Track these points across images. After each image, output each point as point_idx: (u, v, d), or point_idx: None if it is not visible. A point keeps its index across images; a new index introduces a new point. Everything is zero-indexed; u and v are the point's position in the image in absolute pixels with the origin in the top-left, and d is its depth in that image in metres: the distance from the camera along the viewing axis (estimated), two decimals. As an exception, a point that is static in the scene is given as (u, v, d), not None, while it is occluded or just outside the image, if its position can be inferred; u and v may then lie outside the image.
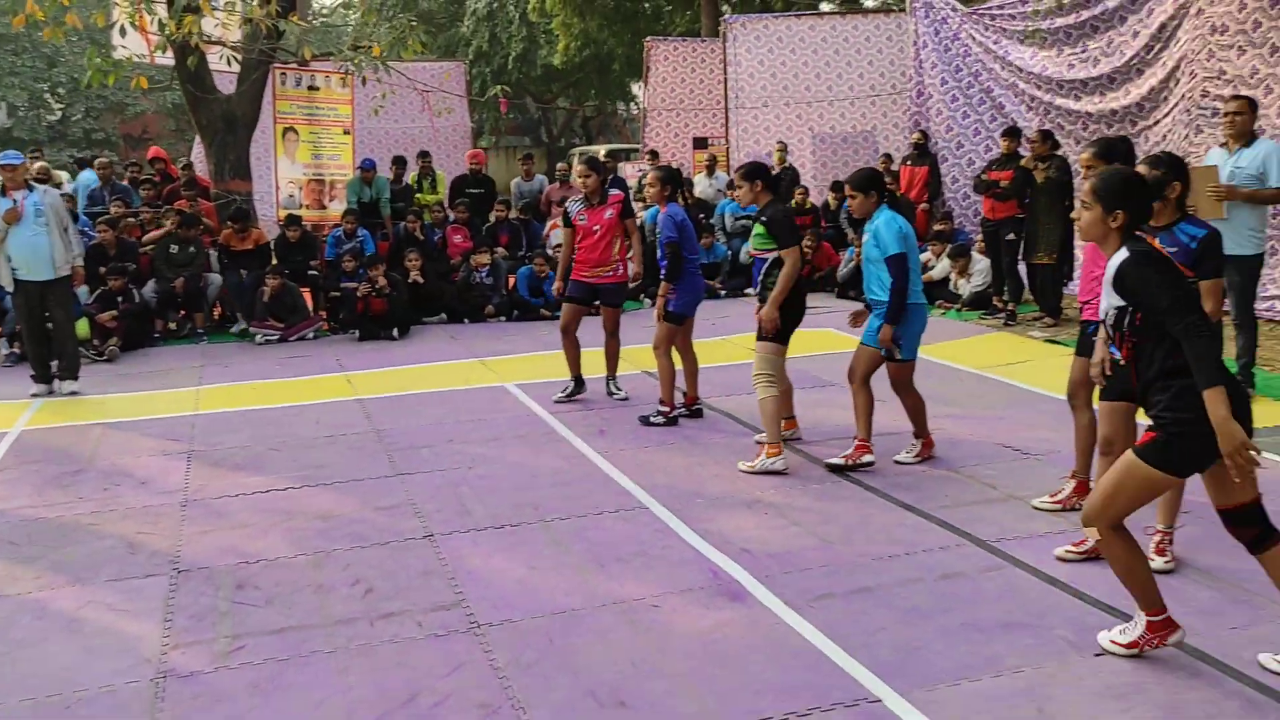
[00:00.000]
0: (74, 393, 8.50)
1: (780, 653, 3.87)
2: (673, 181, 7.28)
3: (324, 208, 13.07)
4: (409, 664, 3.89)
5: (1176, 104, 10.81)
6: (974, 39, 13.85)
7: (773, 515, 5.33)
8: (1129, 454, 3.47)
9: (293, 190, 13.09)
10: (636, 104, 38.64)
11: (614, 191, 7.84)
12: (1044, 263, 10.19)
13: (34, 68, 33.41)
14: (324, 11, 38.28)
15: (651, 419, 7.08)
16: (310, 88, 12.91)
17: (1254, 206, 7.17)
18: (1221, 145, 7.66)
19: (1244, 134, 7.39)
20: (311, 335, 11.05)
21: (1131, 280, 3.36)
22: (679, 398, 7.31)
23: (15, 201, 8.19)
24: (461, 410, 7.70)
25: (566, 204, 7.82)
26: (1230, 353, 7.47)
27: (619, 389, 7.89)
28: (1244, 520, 3.44)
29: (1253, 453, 3.18)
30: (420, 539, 5.16)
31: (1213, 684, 3.51)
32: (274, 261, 11.63)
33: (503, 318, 11.73)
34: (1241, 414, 3.26)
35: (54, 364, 8.71)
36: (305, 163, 13.04)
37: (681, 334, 7.20)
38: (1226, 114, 7.58)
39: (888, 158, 14.61)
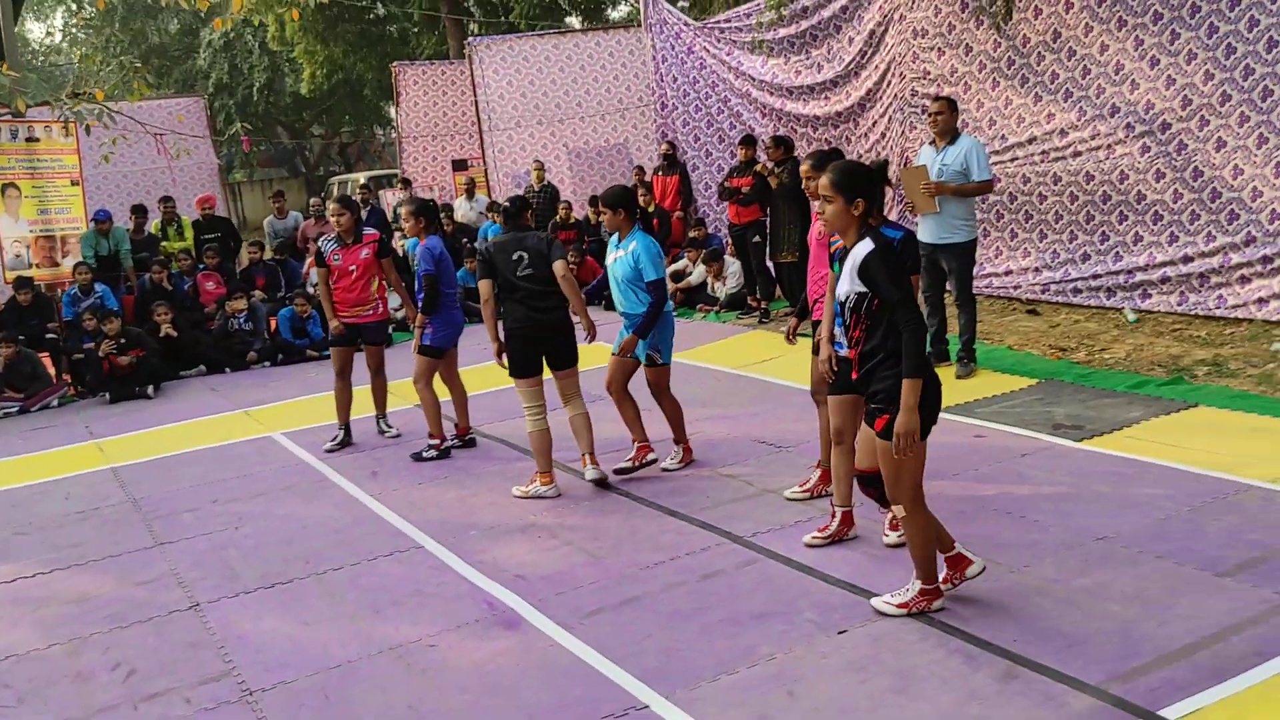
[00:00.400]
0: None
1: (552, 674, 4.02)
2: (427, 213, 7.32)
3: (57, 265, 12.29)
4: (179, 743, 3.81)
5: (890, 104, 11.70)
6: (708, 51, 14.50)
7: (545, 537, 5.48)
8: (882, 443, 3.88)
9: (20, 250, 12.26)
10: (393, 128, 38.16)
11: (369, 230, 7.74)
12: (788, 260, 10.81)
13: None
14: (38, 51, 35.81)
15: (423, 454, 7.10)
16: (29, 139, 12.13)
17: (961, 199, 7.86)
18: (930, 143, 8.36)
19: (948, 131, 8.09)
20: (56, 403, 10.40)
21: (874, 270, 3.79)
22: (450, 429, 7.36)
23: None
24: (225, 467, 7.48)
25: (320, 242, 7.70)
26: (954, 330, 8.21)
27: (390, 426, 7.87)
28: (873, 483, 4.13)
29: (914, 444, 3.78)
30: (185, 610, 5.01)
31: (938, 645, 3.90)
32: (3, 328, 10.88)
33: (267, 363, 11.41)
34: (932, 403, 3.72)
35: None
36: (31, 219, 12.24)
37: (445, 365, 7.25)
38: (930, 114, 8.28)
39: (641, 170, 15.08)
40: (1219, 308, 8.84)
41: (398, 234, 13.36)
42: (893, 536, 4.80)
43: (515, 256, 5.97)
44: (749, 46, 13.58)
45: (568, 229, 14.70)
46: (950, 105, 8.20)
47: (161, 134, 13.17)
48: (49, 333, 11.00)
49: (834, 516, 4.94)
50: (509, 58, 17.22)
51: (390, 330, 10.01)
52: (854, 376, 4.05)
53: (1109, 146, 9.61)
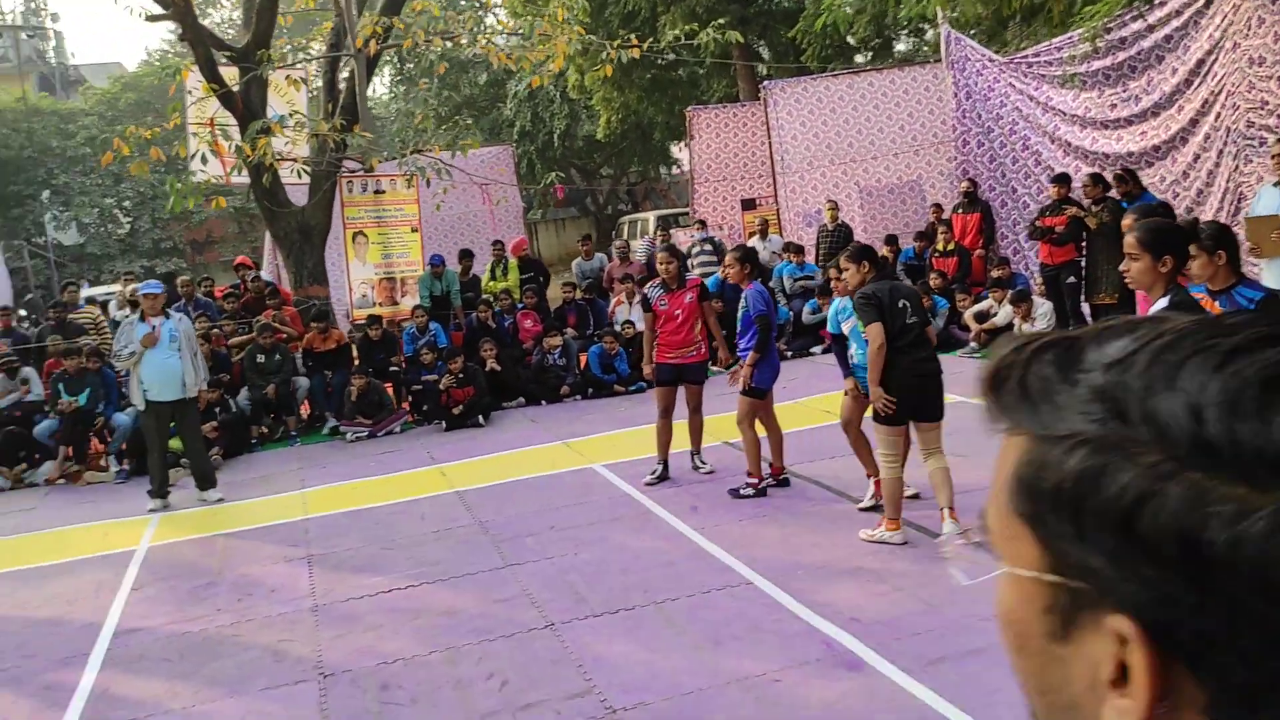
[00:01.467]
0: (220, 499, 9.07)
1: (906, 719, 4.10)
2: (750, 260, 7.63)
3: (396, 304, 13.60)
4: (556, 753, 4.18)
5: (1218, 137, 10.98)
6: (1013, 87, 14.14)
7: (874, 581, 5.57)
8: None
9: (365, 290, 13.66)
10: (679, 167, 39.31)
11: (691, 275, 8.17)
12: (1107, 302, 10.37)
13: (102, 185, 34.95)
14: (374, 109, 39.56)
15: (741, 491, 7.35)
16: (377, 192, 13.53)
17: (1313, 242, 7.34)
18: (1276, 184, 7.87)
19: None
20: (398, 429, 11.50)
21: None
22: (765, 468, 7.58)
23: (153, 327, 8.80)
24: (556, 495, 8.04)
25: (646, 289, 8.18)
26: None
27: (704, 463, 8.19)
28: None
29: None
30: (542, 628, 5.46)
31: None
32: (356, 360, 12.17)
33: (578, 396, 12.11)
34: None
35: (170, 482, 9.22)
36: (376, 263, 13.62)
37: (763, 406, 7.48)
38: (1276, 155, 7.80)
39: (938, 207, 14.88)
40: None
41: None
42: None
43: (900, 304, 6.02)
44: (1058, 81, 13.14)
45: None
46: (1299, 141, 7.70)
47: (486, 183, 14.30)
48: (392, 365, 12.17)
49: None
50: (803, 99, 17.47)
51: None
52: None
53: None
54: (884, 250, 14.77)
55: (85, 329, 12.94)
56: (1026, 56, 13.90)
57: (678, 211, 28.24)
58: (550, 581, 6.15)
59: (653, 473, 8.07)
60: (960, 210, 13.97)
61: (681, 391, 7.99)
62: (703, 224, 15.91)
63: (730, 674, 4.68)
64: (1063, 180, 11.04)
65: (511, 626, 5.53)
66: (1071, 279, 10.62)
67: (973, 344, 11.73)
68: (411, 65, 33.81)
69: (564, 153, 34.09)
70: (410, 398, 12.01)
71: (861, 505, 6.72)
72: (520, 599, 5.93)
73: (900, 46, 25.90)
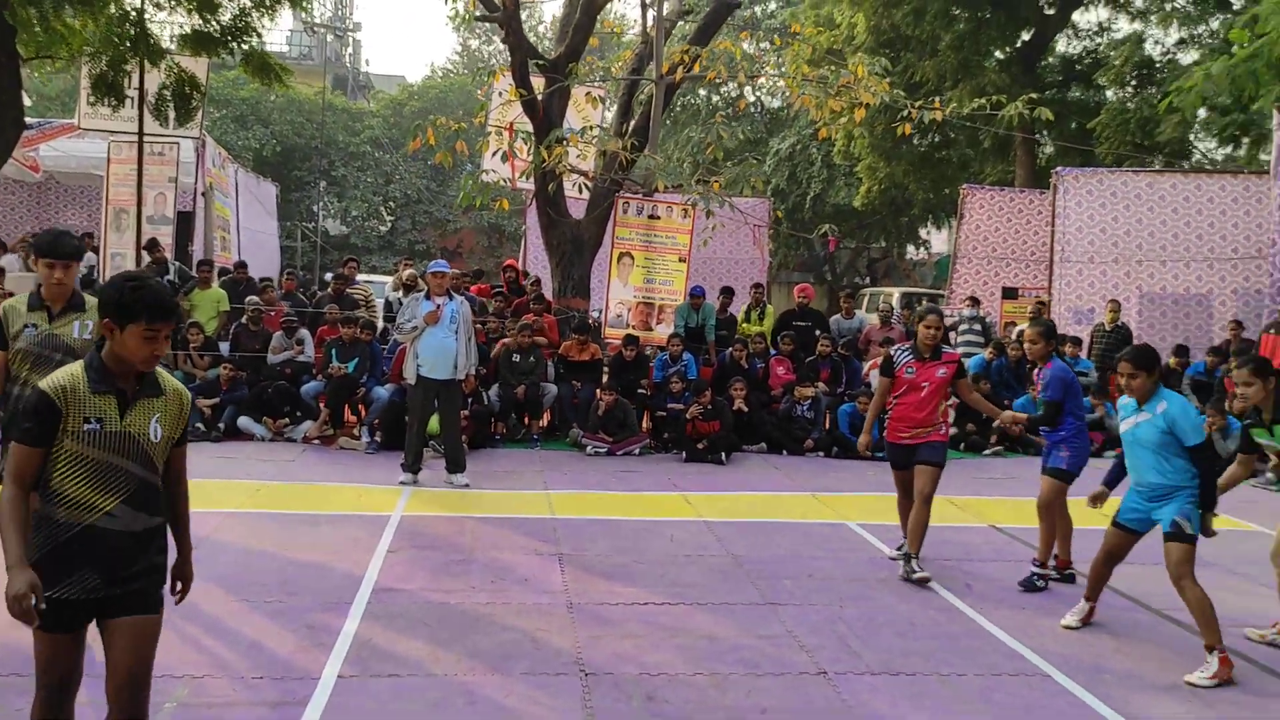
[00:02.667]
0: (466, 485, 9.11)
1: None
2: (1052, 336, 7.05)
3: (650, 329, 13.57)
4: (848, 809, 3.77)
5: None
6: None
7: (1194, 701, 4.90)
8: None
9: (621, 311, 13.70)
10: (927, 249, 38.42)
11: (949, 349, 7.19)
12: None
13: (374, 183, 37.21)
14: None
15: (1035, 583, 6.71)
16: (651, 217, 13.59)
17: None
18: None
19: None
20: (637, 451, 11.37)
21: None
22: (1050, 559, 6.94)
23: (437, 305, 9.01)
24: (809, 544, 7.63)
25: (893, 351, 7.22)
26: None
27: (920, 569, 6.79)
28: None
29: None
30: (814, 674, 5.07)
31: None
32: (606, 377, 12.17)
33: (821, 453, 11.68)
34: None
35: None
36: (637, 285, 13.65)
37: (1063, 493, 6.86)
38: None
39: (1238, 324, 13.69)
40: None
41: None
42: None
43: None
44: None
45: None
46: None
47: (759, 225, 14.15)
48: (640, 388, 12.09)
49: None
50: (1096, 191, 16.58)
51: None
52: None
53: None
54: (1170, 361, 13.72)
55: (359, 303, 13.51)
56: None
57: (921, 291, 27.45)
58: (817, 629, 5.75)
59: (899, 547, 7.14)
60: (1274, 330, 12.76)
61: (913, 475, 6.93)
62: (975, 301, 15.20)
63: (1040, 769, 4.15)
64: None
65: (780, 666, 5.17)
66: None
67: (1270, 474, 10.59)
68: (679, 109, 34.46)
69: (813, 216, 33.83)
70: (653, 423, 11.88)
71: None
72: (786, 639, 5.55)
73: (1197, 157, 24.40)
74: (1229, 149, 21.92)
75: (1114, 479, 5.94)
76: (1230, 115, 18.21)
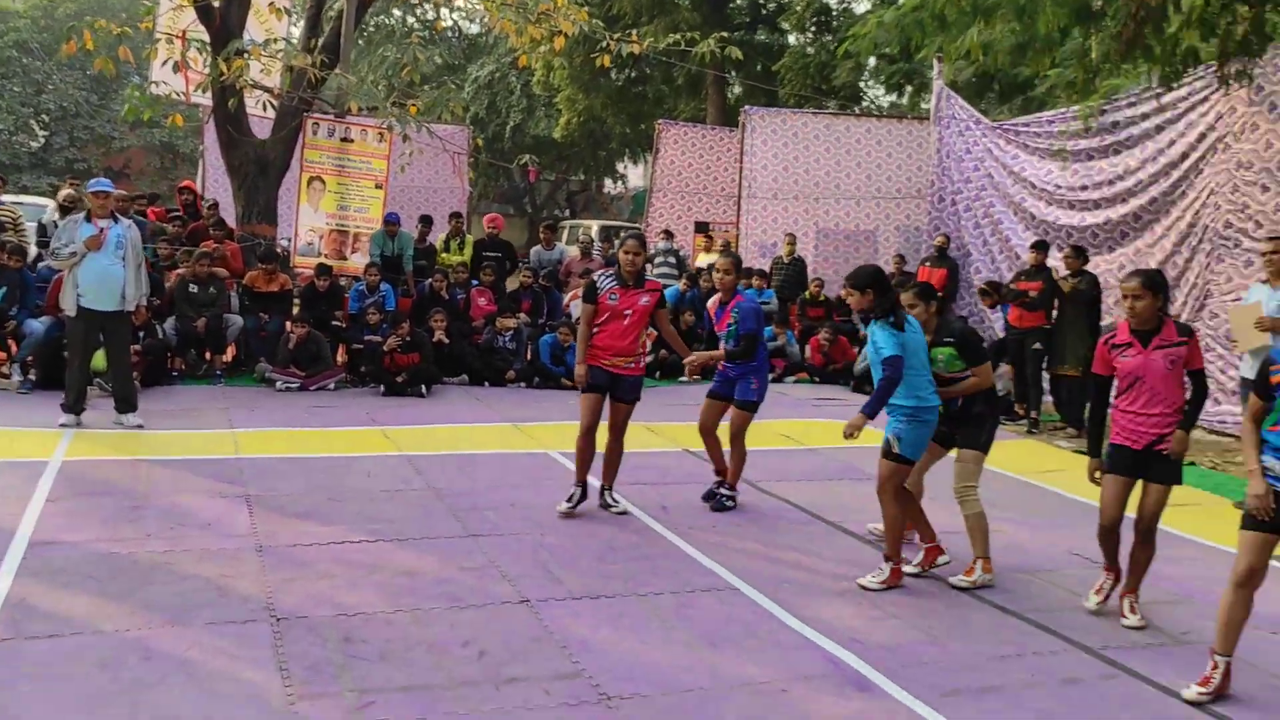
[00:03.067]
0: (139, 425, 8.34)
1: (929, 748, 3.83)
2: (740, 269, 7.30)
3: (344, 259, 12.97)
4: (551, 734, 3.79)
5: (1198, 233, 11.19)
6: (990, 152, 14.29)
7: (868, 605, 5.32)
8: None
9: (313, 238, 13.01)
10: (624, 183, 39.17)
11: (651, 278, 7.04)
12: (1070, 375, 10.41)
13: (22, 93, 33.14)
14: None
15: (725, 504, 6.99)
16: (344, 140, 12.91)
17: (1299, 337, 7.41)
18: (1264, 282, 7.97)
19: (1292, 269, 7.71)
20: (332, 386, 10.91)
21: None
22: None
23: (100, 229, 8.10)
24: (512, 474, 7.62)
25: (596, 277, 6.83)
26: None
27: (615, 501, 6.85)
28: None
29: None
30: (516, 603, 5.06)
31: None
32: (297, 308, 11.55)
33: (523, 384, 11.69)
34: None
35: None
36: (330, 212, 12.98)
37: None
38: (1265, 253, 7.91)
39: (901, 258, 14.92)
40: None
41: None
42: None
43: None
44: (1044, 152, 13.29)
45: (816, 306, 14.65)
46: (1288, 244, 7.83)
47: (460, 154, 13.81)
48: (334, 320, 11.57)
49: (1215, 667, 4.39)
50: (780, 130, 17.42)
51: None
52: None
53: None
54: (843, 292, 14.76)
55: (5, 225, 12.01)
56: (1015, 124, 14.08)
57: (620, 224, 28.00)
58: (519, 558, 5.74)
59: (569, 498, 6.72)
60: (929, 264, 14.00)
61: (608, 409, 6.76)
62: (668, 234, 15.64)
63: (733, 678, 4.35)
64: (1041, 247, 11.08)
65: (483, 597, 5.12)
66: (1038, 345, 10.63)
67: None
68: (373, 29, 32.98)
69: (512, 147, 33.57)
70: (349, 356, 11.43)
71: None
72: (489, 570, 5.51)
73: (866, 102, 26.23)
74: (894, 96, 23.68)
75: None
76: (896, 64, 19.63)
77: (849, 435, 5.60)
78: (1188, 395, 5.17)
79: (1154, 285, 5.05)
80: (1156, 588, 5.36)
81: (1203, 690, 4.33)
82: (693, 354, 7.19)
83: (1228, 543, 6.51)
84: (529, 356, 12.02)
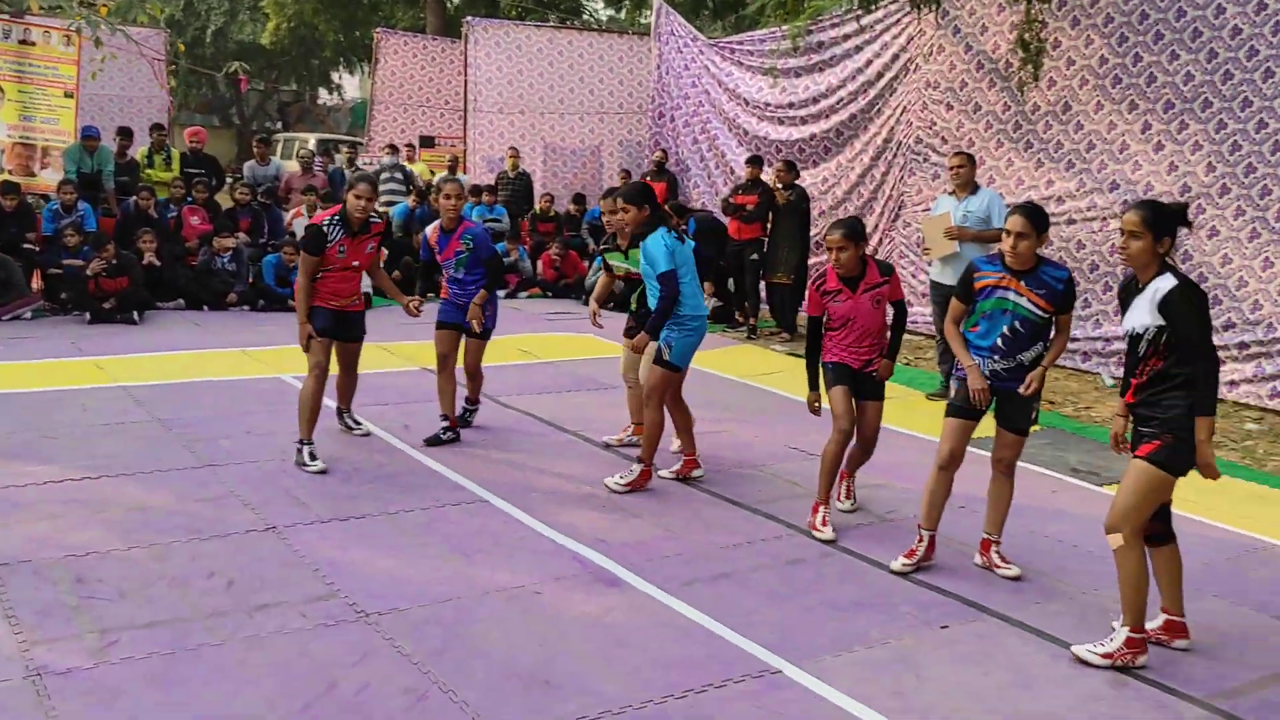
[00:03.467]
0: None
1: (674, 633, 4.14)
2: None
3: (32, 175, 11.82)
4: (310, 654, 3.81)
5: (893, 149, 12.15)
6: (707, 69, 14.80)
7: (611, 509, 5.60)
8: (1140, 464, 3.95)
9: (-8, 152, 11.74)
10: (340, 94, 37.50)
11: (376, 220, 6.45)
12: (783, 283, 11.12)
13: None
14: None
15: (441, 437, 6.67)
16: (24, 42, 11.64)
17: (982, 245, 8.27)
18: (950, 194, 8.80)
19: (968, 184, 8.56)
20: (29, 315, 10.02)
21: (1178, 307, 3.85)
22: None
23: None
24: (246, 401, 7.37)
25: (324, 225, 6.09)
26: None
27: (359, 423, 6.86)
28: (1158, 517, 4.11)
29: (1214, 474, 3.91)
30: (262, 531, 4.98)
31: (1040, 650, 4.17)
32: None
33: (246, 307, 11.18)
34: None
35: None
36: (11, 124, 11.74)
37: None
38: (951, 167, 8.72)
39: (627, 173, 15.25)
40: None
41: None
42: (1013, 569, 4.90)
43: None
44: (756, 70, 13.91)
45: (546, 221, 14.79)
46: (970, 160, 8.68)
47: (159, 60, 12.78)
48: (26, 243, 10.57)
49: (920, 540, 4.93)
50: (503, 43, 17.22)
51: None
52: (1129, 400, 4.11)
53: (1103, 219, 10.18)
54: (570, 208, 14.97)
55: None
56: (730, 42, 14.60)
57: (337, 137, 26.90)
58: (260, 485, 5.61)
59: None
60: (649, 178, 14.40)
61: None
62: (394, 148, 15.19)
63: (486, 585, 4.50)
64: (756, 161, 11.68)
65: (225, 527, 4.99)
66: (755, 256, 11.27)
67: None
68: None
69: (215, 53, 31.34)
70: (46, 282, 10.50)
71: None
72: (229, 500, 5.36)
73: (586, 16, 26.30)
74: (614, 10, 23.88)
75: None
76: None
77: (638, 351, 5.90)
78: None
79: (855, 235, 5.36)
80: (862, 474, 5.95)
81: (907, 561, 4.89)
82: (409, 298, 6.69)
83: (923, 430, 7.34)
84: (250, 279, 11.47)
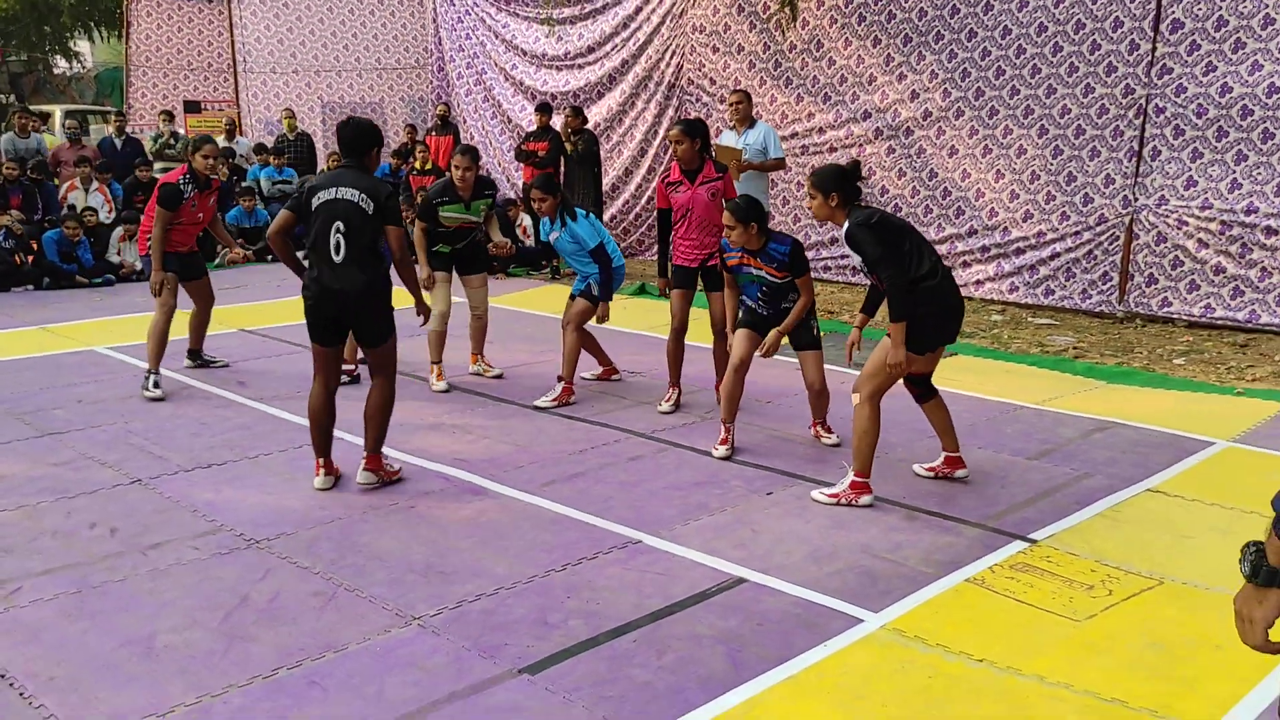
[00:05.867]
0: None
1: (543, 524, 4.68)
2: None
3: None
4: (214, 578, 4.12)
5: (664, 90, 12.87)
6: (483, 21, 15.06)
7: (459, 433, 6.05)
8: (884, 340, 4.74)
9: None
10: (81, 61, 35.10)
11: (215, 177, 7.06)
12: (580, 223, 11.68)
13: None
14: None
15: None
16: None
17: (760, 174, 9.07)
18: (730, 128, 9.56)
19: (746, 118, 9.32)
20: None
21: (854, 240, 4.66)
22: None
23: None
24: (63, 374, 7.31)
25: (179, 183, 6.79)
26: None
27: (214, 358, 7.66)
28: (921, 384, 5.10)
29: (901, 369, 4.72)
30: (129, 484, 5.16)
31: (878, 510, 4.96)
32: None
33: (31, 286, 10.77)
34: (939, 326, 4.81)
35: None
36: None
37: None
38: (731, 103, 9.46)
39: (413, 128, 15.34)
40: (945, 288, 10.69)
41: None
42: (830, 438, 5.85)
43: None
44: (531, 20, 14.29)
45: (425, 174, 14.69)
46: (747, 96, 9.43)
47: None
48: None
49: (727, 430, 5.67)
50: (270, 2, 16.84)
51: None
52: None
53: (860, 145, 11.27)
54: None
55: None
56: (505, -8, 14.91)
57: (86, 108, 25.36)
58: (111, 446, 5.74)
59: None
60: (435, 133, 14.58)
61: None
62: (169, 115, 14.67)
63: (362, 505, 4.89)
64: (545, 109, 12.13)
65: (89, 484, 5.14)
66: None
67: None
68: None
69: (-69, 22, 28.73)
70: None
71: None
72: (83, 462, 5.48)
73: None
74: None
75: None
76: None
77: (603, 321, 6.73)
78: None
79: (692, 130, 6.19)
80: (686, 382, 6.65)
81: (724, 448, 5.62)
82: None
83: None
84: (31, 258, 11.03)
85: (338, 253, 4.86)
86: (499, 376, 7.29)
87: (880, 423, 4.85)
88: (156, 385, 6.71)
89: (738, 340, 5.73)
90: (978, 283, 10.44)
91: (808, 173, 11.45)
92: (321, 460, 5.14)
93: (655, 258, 11.15)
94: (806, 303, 5.69)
